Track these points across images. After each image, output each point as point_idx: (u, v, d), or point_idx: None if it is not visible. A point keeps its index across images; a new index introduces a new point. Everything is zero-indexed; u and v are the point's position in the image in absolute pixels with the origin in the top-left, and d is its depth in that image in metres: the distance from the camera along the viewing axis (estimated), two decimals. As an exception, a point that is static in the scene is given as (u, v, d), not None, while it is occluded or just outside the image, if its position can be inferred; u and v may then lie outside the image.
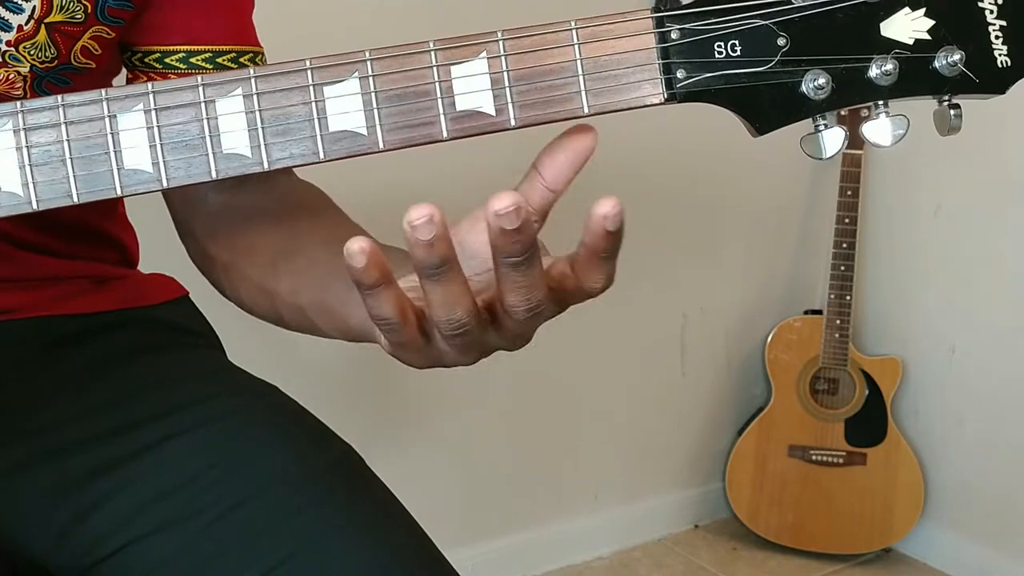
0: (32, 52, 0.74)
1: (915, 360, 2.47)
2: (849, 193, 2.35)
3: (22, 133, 0.55)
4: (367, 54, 0.52)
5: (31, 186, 0.55)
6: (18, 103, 0.56)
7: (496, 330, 0.60)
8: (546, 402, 2.32)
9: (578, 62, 0.54)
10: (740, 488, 2.51)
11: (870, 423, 2.44)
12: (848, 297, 2.39)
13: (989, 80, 0.57)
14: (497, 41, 0.54)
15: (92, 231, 0.91)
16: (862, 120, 0.58)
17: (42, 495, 0.80)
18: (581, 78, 0.54)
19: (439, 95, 0.53)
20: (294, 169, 0.90)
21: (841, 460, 2.44)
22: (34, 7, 0.73)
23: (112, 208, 0.94)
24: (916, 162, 2.35)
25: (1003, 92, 0.58)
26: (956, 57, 0.56)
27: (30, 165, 0.55)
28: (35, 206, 0.55)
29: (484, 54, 0.53)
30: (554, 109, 0.54)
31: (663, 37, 0.55)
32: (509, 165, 1.95)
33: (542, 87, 0.54)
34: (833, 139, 0.57)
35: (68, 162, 0.55)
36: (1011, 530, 2.33)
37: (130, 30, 0.83)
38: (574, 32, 0.54)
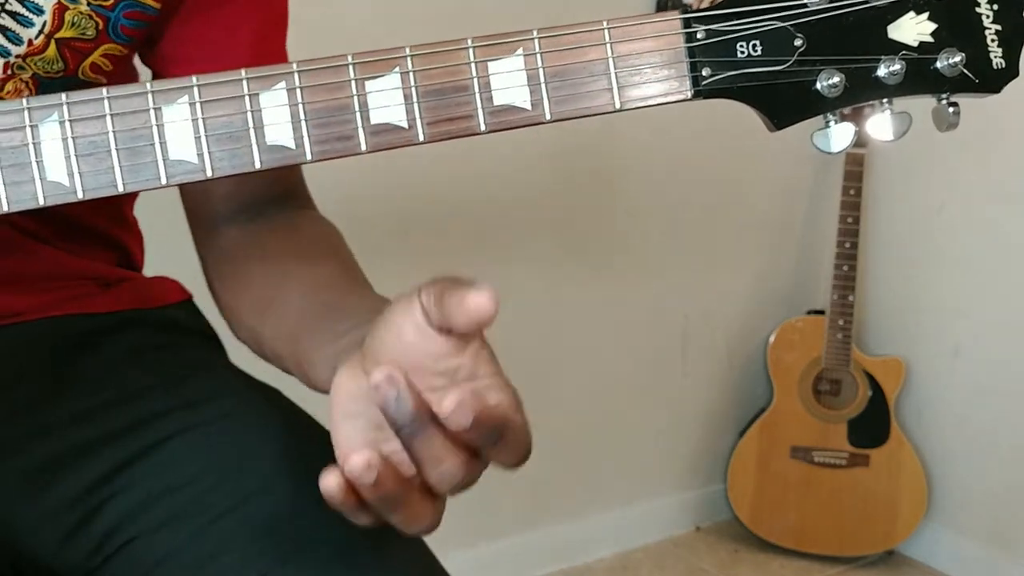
0: (39, 64, 0.77)
1: (918, 361, 2.49)
2: (852, 192, 2.38)
3: (67, 124, 0.59)
4: (407, 50, 0.56)
5: (76, 176, 0.59)
6: (63, 94, 0.59)
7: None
8: (546, 403, 2.29)
9: (610, 60, 0.58)
10: (742, 489, 2.53)
11: (873, 424, 2.46)
12: (851, 297, 2.41)
13: (986, 80, 0.62)
14: (533, 39, 0.58)
15: (98, 233, 0.93)
16: (866, 118, 0.63)
17: (51, 497, 0.82)
18: (613, 75, 0.58)
19: (477, 90, 0.58)
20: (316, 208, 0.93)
21: (844, 461, 2.46)
22: (45, 21, 0.75)
23: (118, 211, 0.96)
24: (919, 161, 2.37)
25: (998, 91, 0.63)
26: (957, 59, 0.61)
27: (76, 156, 0.59)
28: (80, 195, 0.59)
29: (520, 51, 0.58)
30: (586, 104, 0.58)
31: (690, 37, 0.60)
32: (497, 166, 1.98)
33: (575, 83, 0.58)
34: (843, 134, 0.62)
35: (113, 153, 0.58)
36: (1015, 532, 2.36)
37: (154, 60, 0.85)
38: (606, 31, 0.58)
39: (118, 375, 0.87)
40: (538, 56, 0.58)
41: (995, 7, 0.62)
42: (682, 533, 2.63)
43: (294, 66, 0.56)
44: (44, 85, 0.78)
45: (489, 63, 0.58)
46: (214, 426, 0.84)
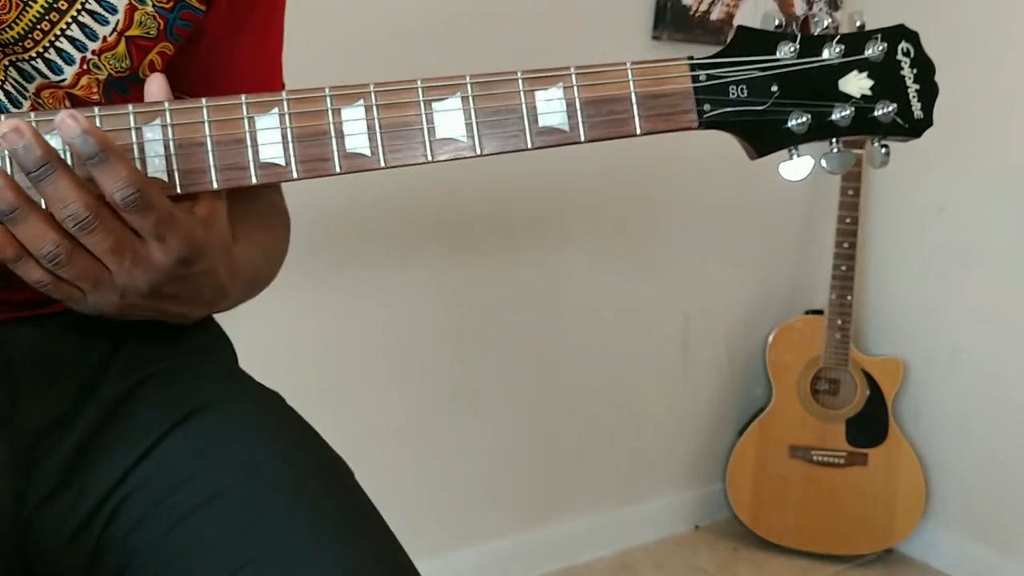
0: (111, 62, 0.87)
1: (916, 361, 2.58)
2: (850, 192, 2.47)
3: (169, 128, 0.74)
4: (467, 78, 0.73)
5: (176, 173, 0.74)
6: (166, 102, 0.74)
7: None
8: (546, 403, 2.42)
9: (632, 94, 0.76)
10: (741, 489, 2.61)
11: (871, 423, 2.55)
12: (849, 297, 2.49)
13: (911, 127, 0.82)
14: (570, 74, 0.75)
15: None
16: (821, 153, 0.83)
17: (63, 499, 0.87)
18: (635, 106, 0.76)
19: (525, 114, 0.75)
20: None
21: (842, 460, 2.54)
22: (118, 20, 0.86)
23: None
24: (918, 162, 2.45)
25: (919, 136, 0.83)
26: (891, 109, 0.81)
27: (175, 155, 0.74)
28: (178, 190, 0.74)
29: (561, 84, 0.75)
30: (614, 129, 0.76)
31: (695, 79, 0.78)
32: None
33: (605, 111, 0.76)
34: (803, 166, 0.82)
35: (210, 154, 0.73)
36: (1012, 530, 2.45)
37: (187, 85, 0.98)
38: (629, 70, 0.76)
39: (130, 369, 0.93)
40: (575, 88, 0.75)
41: (914, 71, 0.82)
42: (682, 532, 2.71)
43: (371, 87, 0.71)
44: (110, 84, 0.89)
45: (536, 92, 0.75)
46: (198, 422, 0.91)
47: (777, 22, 0.81)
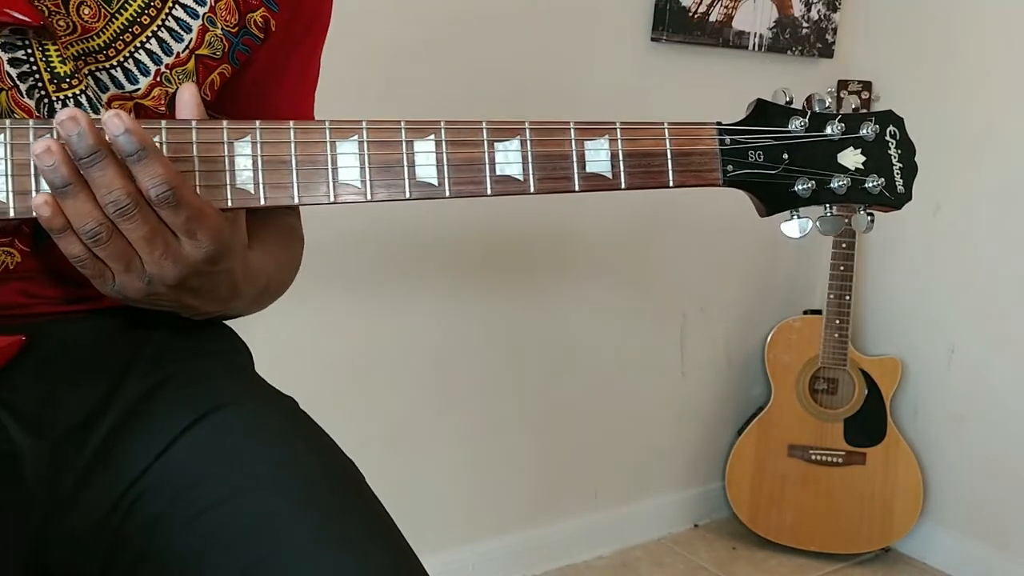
0: (181, 77, 0.95)
1: (914, 360, 2.65)
2: None
3: (258, 145, 0.83)
4: (527, 124, 0.85)
5: (261, 186, 0.83)
6: (257, 121, 0.82)
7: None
8: (546, 402, 2.47)
9: (668, 151, 0.89)
10: (740, 487, 2.68)
11: (869, 423, 2.62)
12: (848, 297, 2.55)
13: (895, 199, 0.96)
14: (615, 128, 0.88)
15: None
16: (819, 217, 0.97)
17: (84, 500, 0.91)
18: (669, 161, 0.89)
19: (575, 160, 0.86)
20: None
21: (840, 460, 2.61)
22: (191, 39, 0.95)
23: None
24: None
25: (900, 208, 0.97)
26: (880, 182, 0.95)
27: (262, 170, 0.83)
28: (262, 202, 0.83)
29: (607, 136, 0.87)
30: (650, 180, 0.89)
31: (722, 142, 0.91)
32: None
33: (644, 164, 0.88)
34: (802, 226, 0.95)
35: (293, 171, 0.83)
36: (1009, 529, 2.52)
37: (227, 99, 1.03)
38: (666, 129, 0.89)
39: (152, 369, 0.98)
40: (619, 141, 0.88)
41: (899, 151, 0.96)
42: (681, 531, 2.77)
43: (442, 124, 0.82)
44: (175, 99, 0.92)
45: (585, 141, 0.87)
46: (220, 425, 0.94)
47: (788, 98, 0.94)
